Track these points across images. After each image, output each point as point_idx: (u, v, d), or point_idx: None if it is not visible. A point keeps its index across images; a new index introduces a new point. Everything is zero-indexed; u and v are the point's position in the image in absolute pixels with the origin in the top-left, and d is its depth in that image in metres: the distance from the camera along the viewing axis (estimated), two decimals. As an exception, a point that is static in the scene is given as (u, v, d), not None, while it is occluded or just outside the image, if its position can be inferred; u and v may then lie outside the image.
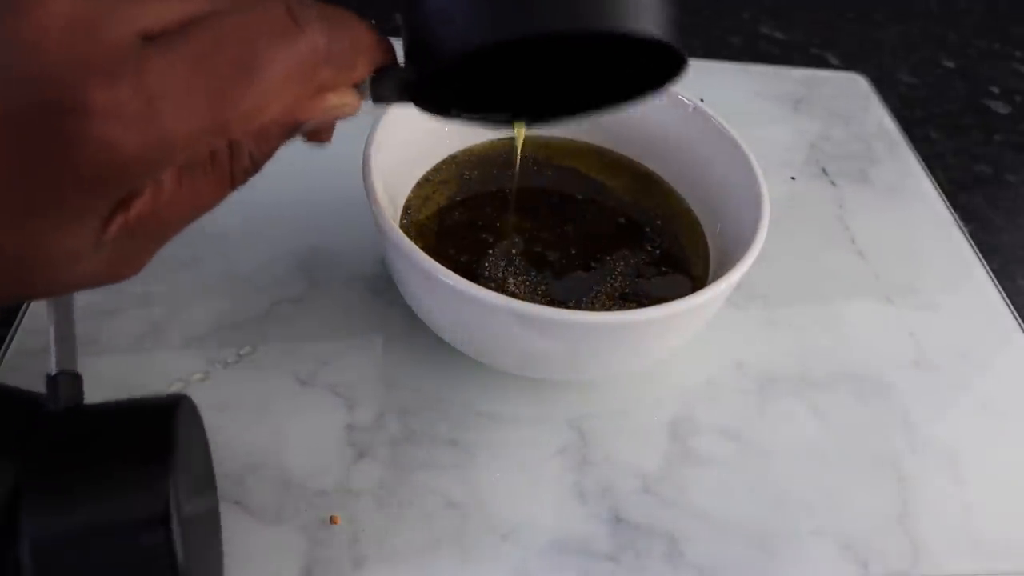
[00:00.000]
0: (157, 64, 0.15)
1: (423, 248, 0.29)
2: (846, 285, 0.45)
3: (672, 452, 0.35)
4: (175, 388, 0.34)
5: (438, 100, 0.22)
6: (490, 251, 0.37)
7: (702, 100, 0.39)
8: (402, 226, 0.37)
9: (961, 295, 0.46)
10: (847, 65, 0.67)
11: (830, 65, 0.68)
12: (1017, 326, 0.44)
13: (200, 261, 0.39)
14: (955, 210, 0.51)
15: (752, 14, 0.74)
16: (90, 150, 0.14)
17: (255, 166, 0.19)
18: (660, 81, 0.21)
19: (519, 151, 0.36)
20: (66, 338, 0.24)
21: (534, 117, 0.26)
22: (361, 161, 0.33)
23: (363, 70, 0.19)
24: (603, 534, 0.32)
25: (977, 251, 0.48)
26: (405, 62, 0.21)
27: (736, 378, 0.39)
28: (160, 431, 0.21)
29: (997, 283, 0.46)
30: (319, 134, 0.21)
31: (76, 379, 0.23)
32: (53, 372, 0.23)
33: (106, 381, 0.34)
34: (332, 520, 0.31)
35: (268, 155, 0.19)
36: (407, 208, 0.38)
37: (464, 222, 0.38)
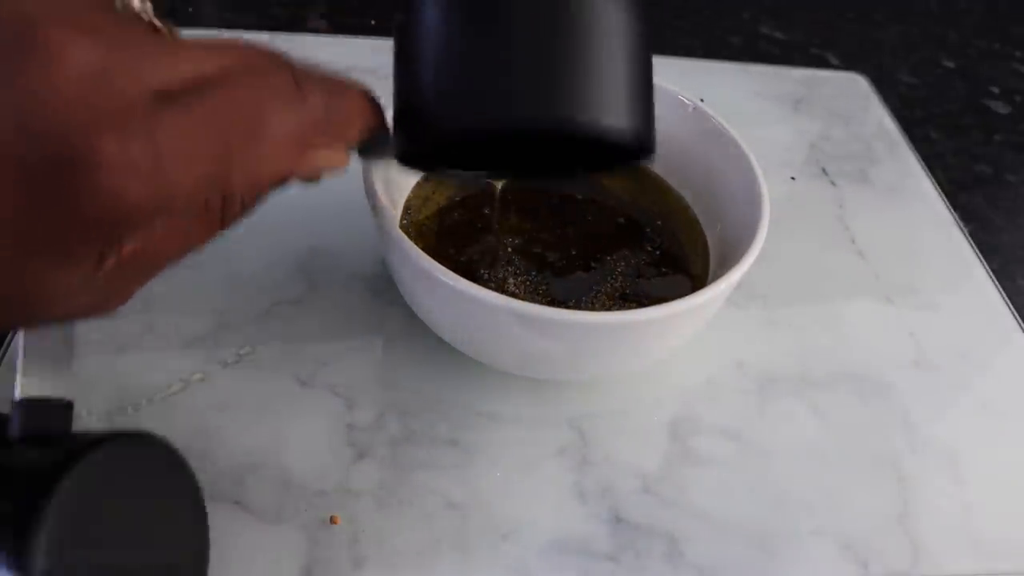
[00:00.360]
0: (169, 123, 0.15)
1: (423, 248, 0.29)
2: (846, 285, 0.45)
3: (672, 452, 0.35)
4: (175, 388, 0.34)
5: (422, 161, 0.23)
6: (490, 252, 0.37)
7: (702, 100, 0.39)
8: (402, 226, 0.37)
9: (961, 295, 0.46)
10: (847, 65, 0.67)
11: (830, 65, 0.68)
12: (1017, 326, 0.44)
13: (200, 262, 0.39)
14: (955, 210, 0.51)
15: (752, 14, 0.74)
16: (96, 201, 0.15)
17: (244, 211, 0.20)
18: (633, 156, 0.23)
19: (497, 202, 0.37)
20: (50, 362, 0.23)
21: (514, 173, 0.27)
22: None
23: (355, 135, 0.20)
24: (603, 534, 0.32)
25: (977, 251, 0.48)
26: (394, 130, 0.22)
27: (736, 378, 0.39)
28: (41, 489, 0.19)
29: (997, 283, 0.46)
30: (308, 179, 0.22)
31: (44, 407, 0.22)
32: (16, 398, 0.22)
33: (107, 381, 0.34)
34: (332, 520, 0.31)
35: (258, 202, 0.20)
36: (407, 208, 0.38)
37: (464, 222, 0.38)
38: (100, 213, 0.15)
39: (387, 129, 0.22)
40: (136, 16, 0.18)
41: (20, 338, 0.23)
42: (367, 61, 0.54)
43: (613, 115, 0.20)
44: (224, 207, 0.19)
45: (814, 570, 0.33)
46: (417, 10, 0.21)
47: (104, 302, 0.18)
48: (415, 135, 0.22)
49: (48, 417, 0.22)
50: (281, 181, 0.19)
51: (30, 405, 0.22)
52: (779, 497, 0.35)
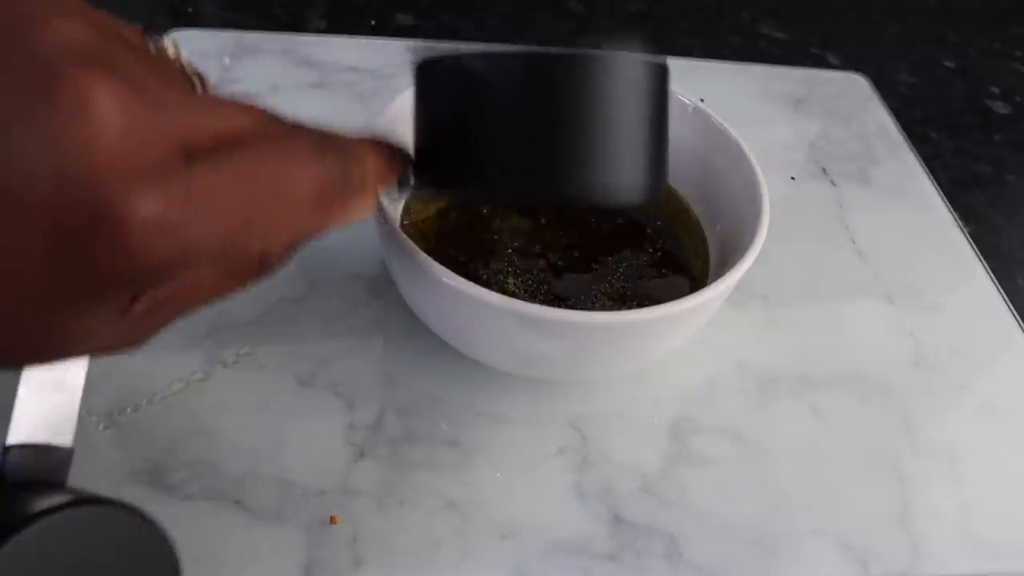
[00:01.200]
0: (198, 181, 0.15)
1: (423, 249, 0.29)
2: (846, 285, 0.45)
3: (672, 452, 0.35)
4: (175, 388, 0.34)
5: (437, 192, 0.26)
6: (490, 252, 0.37)
7: (702, 100, 0.39)
8: (402, 226, 0.37)
9: (961, 295, 0.46)
10: (847, 65, 0.67)
11: (830, 65, 0.68)
12: (1017, 326, 0.44)
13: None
14: (955, 210, 0.51)
15: (752, 14, 0.74)
16: (123, 254, 0.15)
17: (280, 263, 0.20)
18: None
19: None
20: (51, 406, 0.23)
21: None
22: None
23: (374, 189, 0.21)
24: (603, 534, 0.32)
25: (977, 251, 0.48)
26: (415, 174, 0.24)
27: (736, 378, 0.39)
28: None
29: (997, 283, 0.46)
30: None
31: (39, 452, 0.22)
32: (7, 444, 0.22)
33: (107, 382, 0.34)
34: (332, 520, 0.31)
35: (292, 255, 0.20)
36: (407, 208, 0.38)
37: (464, 223, 0.38)
38: (126, 265, 0.15)
39: (408, 177, 0.23)
40: (168, 62, 0.18)
41: (22, 381, 0.23)
42: (367, 61, 0.54)
43: (623, 192, 0.23)
44: (260, 259, 0.19)
45: (814, 570, 0.33)
46: (452, 80, 0.23)
47: (129, 341, 0.18)
48: (443, 186, 0.24)
49: (44, 463, 0.22)
50: (313, 234, 0.20)
51: (22, 450, 0.22)
52: (779, 497, 0.35)
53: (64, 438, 0.23)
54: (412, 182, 0.24)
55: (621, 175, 0.22)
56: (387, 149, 0.22)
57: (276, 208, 0.17)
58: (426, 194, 0.24)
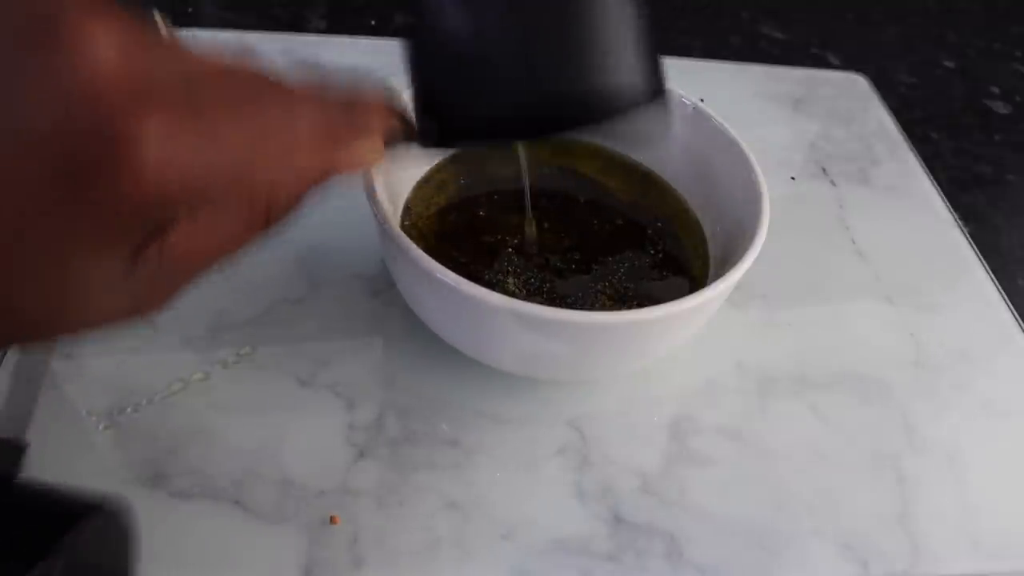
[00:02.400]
0: (206, 115, 0.16)
1: (423, 249, 0.29)
2: (846, 285, 0.45)
3: (672, 452, 0.35)
4: (175, 388, 0.34)
5: (451, 142, 0.25)
6: (490, 252, 0.37)
7: (702, 100, 0.39)
8: (402, 226, 0.37)
9: (961, 295, 0.46)
10: (847, 65, 0.67)
11: (830, 65, 0.68)
12: (1017, 326, 0.44)
13: (200, 261, 0.39)
14: (955, 210, 0.51)
15: (752, 14, 0.74)
16: (134, 180, 0.15)
17: (288, 210, 0.20)
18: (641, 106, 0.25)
19: (524, 162, 0.36)
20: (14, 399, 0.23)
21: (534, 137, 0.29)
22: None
23: (379, 126, 0.21)
24: (603, 534, 0.32)
25: (977, 251, 0.48)
26: (418, 125, 0.24)
27: (736, 378, 0.39)
28: None
29: (997, 283, 0.46)
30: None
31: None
32: None
33: (107, 381, 0.34)
34: (332, 520, 0.31)
35: (300, 203, 0.20)
36: (407, 208, 0.38)
37: (464, 223, 0.38)
38: (133, 193, 0.15)
39: (411, 129, 0.23)
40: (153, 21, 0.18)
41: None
42: (367, 61, 0.54)
43: (622, 95, 0.22)
44: (269, 205, 0.19)
45: (814, 570, 0.33)
46: (442, 14, 0.23)
47: (141, 305, 0.18)
48: (446, 135, 0.24)
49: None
50: (320, 177, 0.20)
51: None
52: (779, 497, 0.35)
53: (20, 431, 0.23)
54: (417, 136, 0.24)
55: (616, 76, 0.22)
56: (388, 90, 0.22)
57: (280, 143, 0.18)
58: (434, 147, 0.24)
